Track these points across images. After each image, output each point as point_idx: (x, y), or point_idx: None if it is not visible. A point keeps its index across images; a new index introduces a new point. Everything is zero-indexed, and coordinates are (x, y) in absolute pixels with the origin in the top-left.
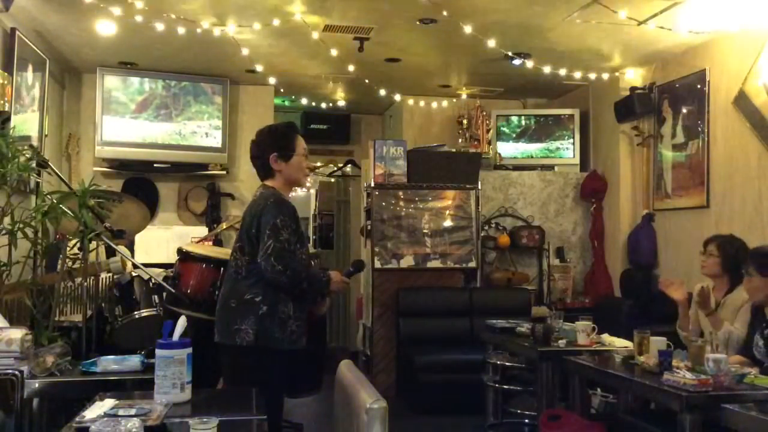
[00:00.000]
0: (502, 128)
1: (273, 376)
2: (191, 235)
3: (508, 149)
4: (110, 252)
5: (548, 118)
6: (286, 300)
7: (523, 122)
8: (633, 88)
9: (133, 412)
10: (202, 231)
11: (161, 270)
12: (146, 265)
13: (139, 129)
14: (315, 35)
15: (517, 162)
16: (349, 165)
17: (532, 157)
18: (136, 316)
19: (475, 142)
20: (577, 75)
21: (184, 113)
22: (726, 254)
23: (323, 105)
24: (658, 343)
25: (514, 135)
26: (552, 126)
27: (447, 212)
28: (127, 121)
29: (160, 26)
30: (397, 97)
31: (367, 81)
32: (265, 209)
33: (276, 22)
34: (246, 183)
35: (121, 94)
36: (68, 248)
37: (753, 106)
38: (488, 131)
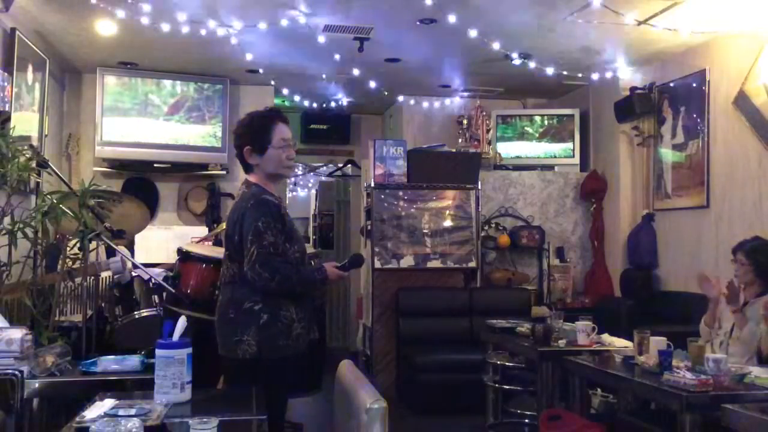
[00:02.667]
0: (525, 128)
1: (280, 384)
2: (191, 235)
3: (531, 149)
4: (110, 252)
5: (571, 117)
6: (288, 304)
7: (546, 122)
8: (633, 88)
9: (133, 412)
10: (202, 231)
11: (161, 270)
12: (146, 265)
13: (171, 131)
14: (315, 35)
15: (540, 162)
16: (349, 165)
17: (555, 156)
18: (136, 316)
19: (475, 142)
20: (578, 75)
21: (218, 116)
22: (756, 262)
23: (323, 105)
24: (658, 343)
25: (537, 135)
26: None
27: (447, 212)
28: (160, 123)
29: (160, 26)
30: (398, 97)
31: (368, 82)
32: (246, 213)
33: (276, 22)
34: None
35: (155, 97)
36: (68, 248)
37: (753, 106)
38: (488, 131)
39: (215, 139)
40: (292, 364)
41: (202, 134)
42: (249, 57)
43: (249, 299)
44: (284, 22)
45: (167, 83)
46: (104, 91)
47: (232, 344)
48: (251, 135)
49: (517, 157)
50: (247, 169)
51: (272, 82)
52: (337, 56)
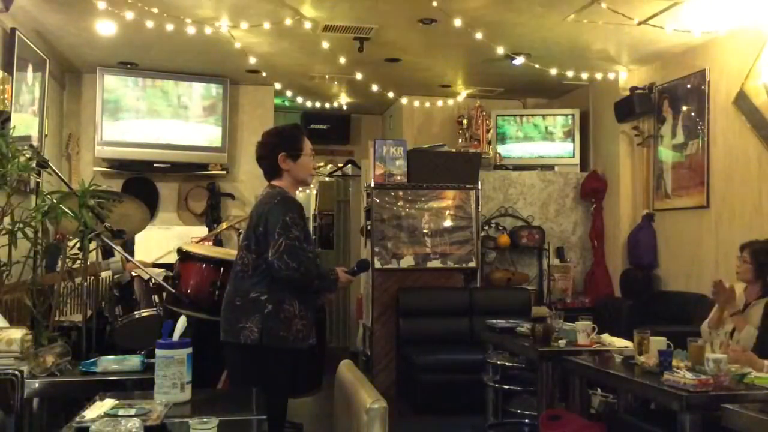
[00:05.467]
0: (548, 128)
1: (278, 375)
2: (191, 235)
3: (553, 149)
4: (109, 252)
5: (571, 116)
6: (291, 298)
7: (569, 121)
8: (633, 88)
9: (133, 412)
10: (202, 231)
11: (161, 270)
12: (146, 265)
13: (205, 133)
14: (315, 35)
15: (561, 162)
16: (349, 165)
17: (573, 156)
18: (136, 316)
19: (475, 142)
20: (578, 75)
21: (219, 116)
22: (759, 262)
23: (323, 105)
24: (658, 343)
25: (561, 134)
26: None
27: (447, 212)
28: (193, 126)
29: (160, 26)
30: (398, 98)
31: (368, 82)
32: (273, 207)
33: (276, 22)
34: (246, 183)
35: (188, 99)
36: (68, 248)
37: (753, 106)
38: (488, 131)
39: (215, 139)
40: (289, 358)
41: (203, 134)
42: (250, 57)
43: (255, 289)
44: (284, 22)
45: (168, 83)
46: (104, 89)
47: (236, 330)
48: (286, 142)
49: (540, 156)
50: (274, 175)
51: (273, 83)
52: (337, 56)
